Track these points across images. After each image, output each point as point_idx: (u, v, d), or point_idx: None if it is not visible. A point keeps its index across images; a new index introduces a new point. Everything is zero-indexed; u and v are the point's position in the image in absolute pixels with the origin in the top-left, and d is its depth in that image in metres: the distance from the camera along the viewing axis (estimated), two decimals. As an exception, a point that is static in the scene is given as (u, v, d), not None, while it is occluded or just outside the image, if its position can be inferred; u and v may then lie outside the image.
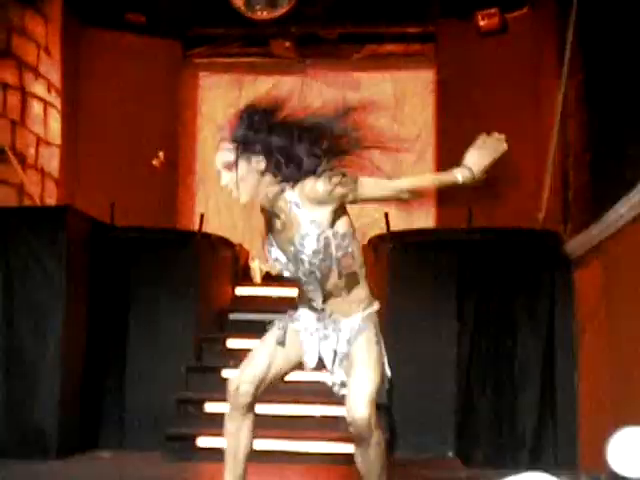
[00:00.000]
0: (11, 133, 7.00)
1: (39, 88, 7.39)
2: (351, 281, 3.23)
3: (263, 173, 3.02)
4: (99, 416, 6.10)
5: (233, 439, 3.27)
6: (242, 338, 6.22)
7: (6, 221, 5.76)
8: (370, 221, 9.08)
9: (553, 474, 4.03)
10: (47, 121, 7.52)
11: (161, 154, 7.89)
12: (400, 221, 8.65)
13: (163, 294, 6.31)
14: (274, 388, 3.36)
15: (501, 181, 8.39)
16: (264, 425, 5.62)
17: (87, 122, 8.91)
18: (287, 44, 9.10)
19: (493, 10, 8.30)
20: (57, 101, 7.76)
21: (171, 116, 9.20)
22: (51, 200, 7.58)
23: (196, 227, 6.95)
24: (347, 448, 4.64)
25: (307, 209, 3.04)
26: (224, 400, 3.16)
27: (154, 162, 7.88)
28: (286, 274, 3.21)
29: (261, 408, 3.24)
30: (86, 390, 5.94)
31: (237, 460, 3.28)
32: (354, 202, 3.14)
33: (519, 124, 8.00)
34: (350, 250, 3.13)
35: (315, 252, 3.06)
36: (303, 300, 3.31)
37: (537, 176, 7.16)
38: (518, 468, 4.75)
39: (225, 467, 3.29)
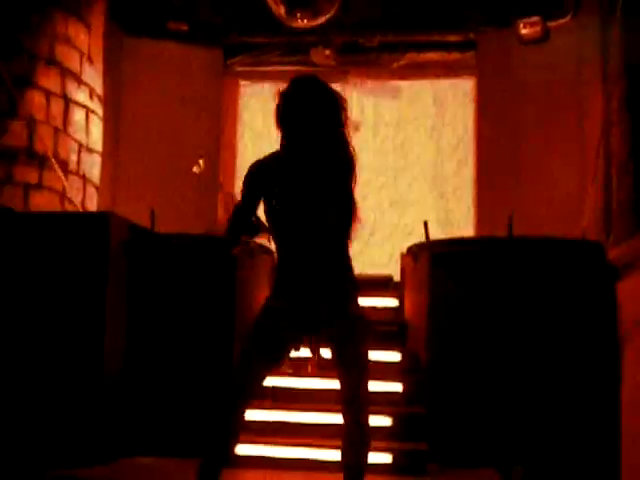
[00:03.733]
0: (54, 140, 7.08)
1: (81, 95, 7.46)
2: (343, 246, 3.22)
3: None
4: (140, 422, 6.11)
5: None
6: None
7: (49, 226, 5.82)
8: (409, 230, 9.07)
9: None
10: (89, 128, 7.59)
11: (201, 161, 7.91)
12: (439, 229, 8.66)
13: (201, 301, 6.32)
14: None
15: (543, 189, 8.29)
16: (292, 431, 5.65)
17: (128, 129, 9.01)
18: (327, 52, 9.13)
19: (535, 18, 8.22)
20: (99, 108, 7.83)
21: (211, 123, 9.27)
22: (92, 206, 7.65)
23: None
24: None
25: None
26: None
27: (194, 169, 7.91)
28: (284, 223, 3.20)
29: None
30: (126, 397, 5.96)
31: None
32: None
33: (561, 132, 7.94)
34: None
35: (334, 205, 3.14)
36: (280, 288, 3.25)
37: (579, 185, 7.08)
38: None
39: None
